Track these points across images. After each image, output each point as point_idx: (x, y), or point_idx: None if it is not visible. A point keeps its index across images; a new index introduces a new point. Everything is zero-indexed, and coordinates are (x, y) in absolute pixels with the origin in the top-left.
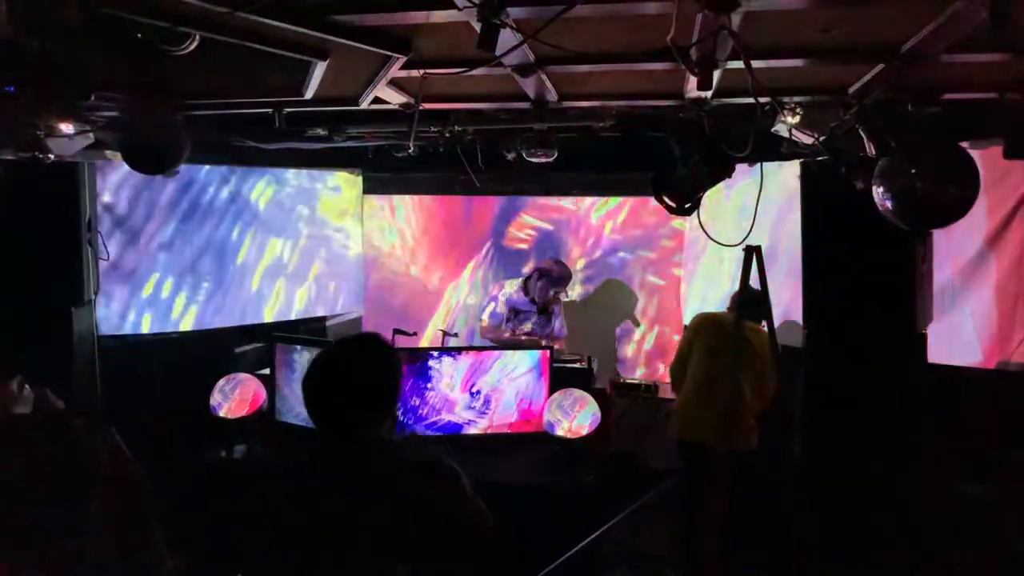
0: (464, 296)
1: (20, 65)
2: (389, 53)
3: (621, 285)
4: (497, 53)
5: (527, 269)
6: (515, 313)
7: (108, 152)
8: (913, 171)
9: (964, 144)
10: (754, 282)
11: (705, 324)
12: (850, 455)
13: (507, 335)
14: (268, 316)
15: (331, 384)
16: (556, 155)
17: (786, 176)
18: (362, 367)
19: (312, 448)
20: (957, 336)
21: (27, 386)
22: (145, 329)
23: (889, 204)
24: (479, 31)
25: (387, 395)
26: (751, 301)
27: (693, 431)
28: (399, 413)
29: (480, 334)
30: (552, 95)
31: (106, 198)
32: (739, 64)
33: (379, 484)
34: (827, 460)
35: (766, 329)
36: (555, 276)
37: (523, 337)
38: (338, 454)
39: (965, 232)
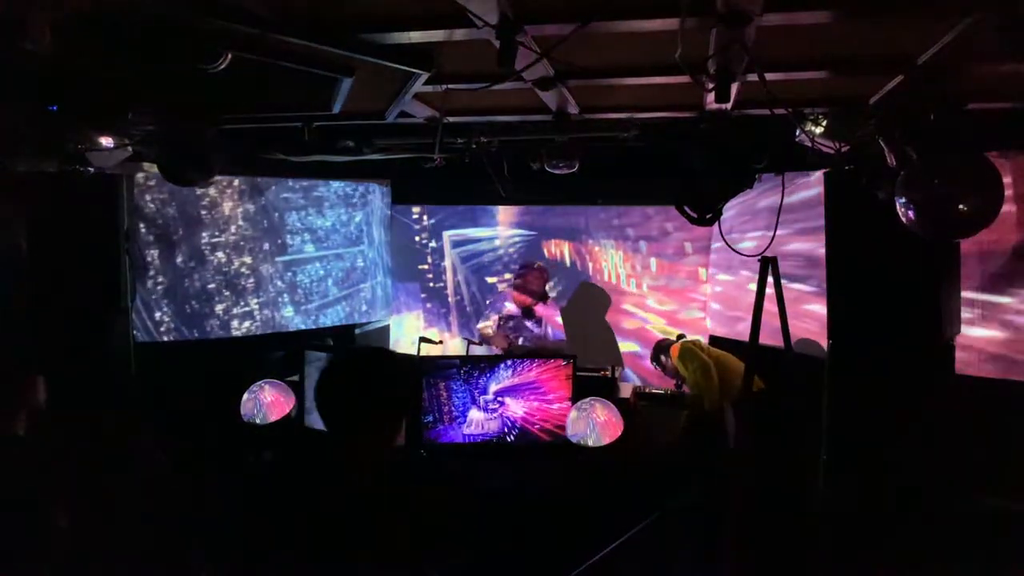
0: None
1: (61, 84)
2: (412, 70)
3: (592, 286)
4: (517, 68)
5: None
6: (507, 320)
7: (145, 164)
8: (935, 181)
9: (993, 154)
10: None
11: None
12: (876, 467)
13: (506, 343)
14: (298, 324)
15: (331, 392)
16: (577, 166)
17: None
18: (361, 378)
19: (317, 453)
20: (985, 347)
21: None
22: (178, 336)
23: (912, 214)
24: (498, 48)
25: (385, 405)
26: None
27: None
28: (425, 421)
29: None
30: (573, 108)
31: (147, 209)
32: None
33: (369, 490)
34: (852, 472)
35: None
36: (526, 274)
37: (520, 343)
38: (338, 459)
39: (993, 240)
